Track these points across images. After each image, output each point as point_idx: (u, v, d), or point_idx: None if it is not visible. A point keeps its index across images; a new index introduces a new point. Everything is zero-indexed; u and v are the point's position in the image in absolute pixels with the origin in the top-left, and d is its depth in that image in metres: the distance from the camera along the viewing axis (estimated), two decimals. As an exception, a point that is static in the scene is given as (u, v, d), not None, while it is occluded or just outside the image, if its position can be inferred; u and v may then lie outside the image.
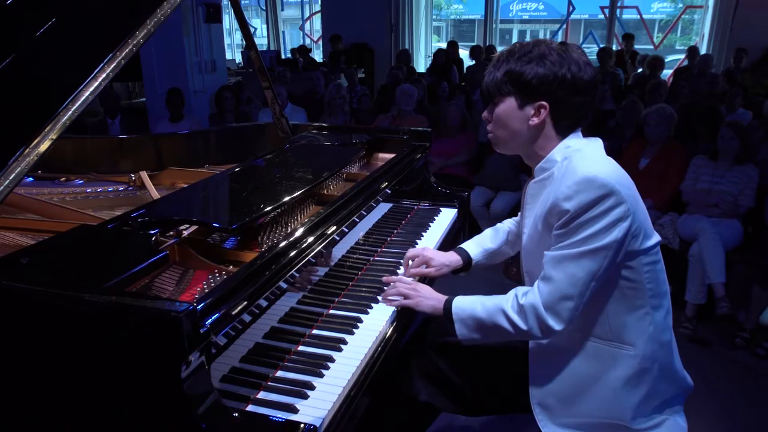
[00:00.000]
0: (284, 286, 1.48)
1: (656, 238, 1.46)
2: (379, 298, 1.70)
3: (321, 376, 1.37)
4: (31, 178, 2.28)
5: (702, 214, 3.53)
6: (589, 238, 1.34)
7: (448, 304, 1.56)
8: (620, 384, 1.43)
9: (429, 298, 1.63)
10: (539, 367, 1.54)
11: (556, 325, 1.39)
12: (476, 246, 1.92)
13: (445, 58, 8.15)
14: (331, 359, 1.42)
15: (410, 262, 1.88)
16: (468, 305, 1.53)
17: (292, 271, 1.49)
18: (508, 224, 1.93)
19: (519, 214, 1.72)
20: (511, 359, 1.61)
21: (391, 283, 1.73)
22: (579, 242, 1.35)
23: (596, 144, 1.48)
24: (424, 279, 1.89)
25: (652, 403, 1.46)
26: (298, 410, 1.25)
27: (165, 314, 1.04)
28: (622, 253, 1.37)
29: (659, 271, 1.47)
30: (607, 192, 1.33)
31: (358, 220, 1.92)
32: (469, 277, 2.02)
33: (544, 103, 1.43)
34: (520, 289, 1.47)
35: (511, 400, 1.61)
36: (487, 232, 1.94)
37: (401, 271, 1.91)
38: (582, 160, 1.40)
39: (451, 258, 1.90)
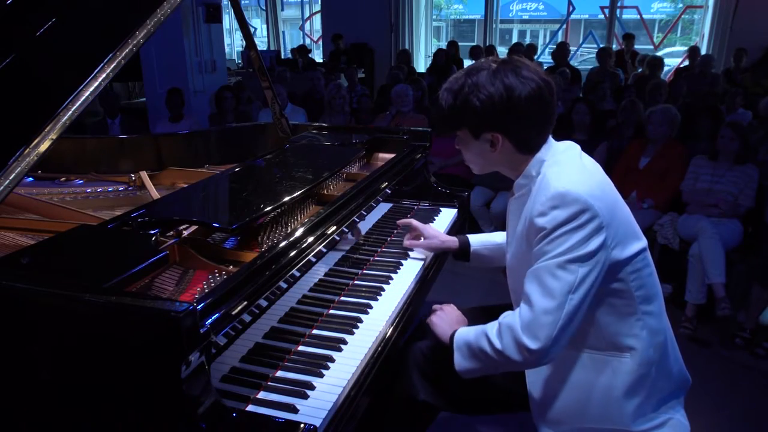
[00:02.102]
0: (284, 286, 1.48)
1: (640, 244, 1.43)
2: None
3: (321, 376, 1.37)
4: (31, 178, 2.28)
5: (702, 214, 3.53)
6: (565, 252, 1.32)
7: (452, 333, 1.54)
8: (620, 392, 1.42)
9: (444, 324, 1.61)
10: (537, 380, 1.53)
11: (532, 344, 1.32)
12: (480, 237, 1.94)
13: (445, 58, 8.14)
14: (331, 359, 1.42)
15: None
16: (464, 332, 1.51)
17: (293, 271, 1.50)
18: None
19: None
20: None
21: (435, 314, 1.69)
22: (554, 256, 1.33)
23: (572, 152, 1.46)
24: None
25: (651, 403, 1.46)
26: (298, 410, 1.25)
27: (165, 314, 1.04)
28: (600, 264, 1.33)
29: (647, 276, 1.44)
30: (580, 207, 1.31)
31: (358, 220, 1.92)
32: (470, 277, 2.03)
33: (496, 134, 1.42)
34: (507, 313, 1.44)
35: (510, 399, 1.61)
36: (499, 232, 1.93)
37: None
38: (555, 174, 1.38)
39: (447, 237, 1.96)
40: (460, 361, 1.49)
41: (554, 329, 1.32)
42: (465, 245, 1.92)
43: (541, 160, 1.44)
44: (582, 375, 1.45)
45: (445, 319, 1.63)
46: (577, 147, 1.49)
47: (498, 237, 1.91)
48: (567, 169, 1.40)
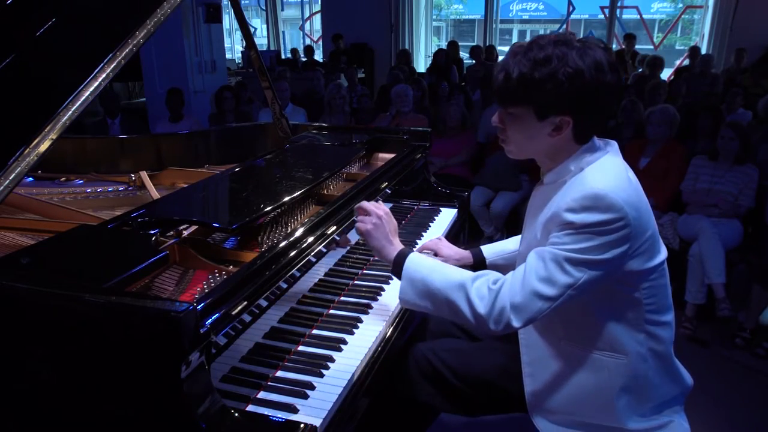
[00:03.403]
0: (284, 285, 1.48)
1: (661, 256, 1.38)
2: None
3: (321, 376, 1.36)
4: (31, 178, 2.28)
5: (702, 214, 3.53)
6: (582, 250, 1.27)
7: (400, 258, 1.44)
8: (614, 391, 1.41)
9: (384, 238, 1.50)
10: (534, 371, 1.52)
11: (515, 322, 1.30)
12: (493, 248, 1.87)
13: (445, 58, 8.15)
14: (331, 359, 1.42)
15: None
16: (425, 268, 1.42)
17: (293, 271, 1.50)
18: None
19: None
20: (508, 359, 1.60)
21: (363, 212, 1.56)
22: (570, 249, 1.27)
23: (612, 150, 1.39)
24: None
25: (649, 405, 1.45)
26: (298, 410, 1.25)
27: (165, 314, 1.04)
28: (612, 272, 1.30)
29: (661, 287, 1.40)
30: (614, 215, 1.25)
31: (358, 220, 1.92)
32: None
33: (566, 118, 1.30)
34: (492, 274, 1.39)
35: (510, 399, 1.61)
36: (515, 238, 1.86)
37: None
38: (595, 173, 1.32)
39: (463, 254, 1.86)
40: (407, 294, 1.42)
41: (539, 314, 1.30)
42: (480, 260, 1.86)
43: (582, 155, 1.36)
44: (579, 371, 1.44)
45: (382, 229, 1.51)
46: (616, 146, 1.41)
47: (510, 244, 1.86)
48: (609, 172, 1.32)
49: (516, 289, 1.31)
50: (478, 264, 1.88)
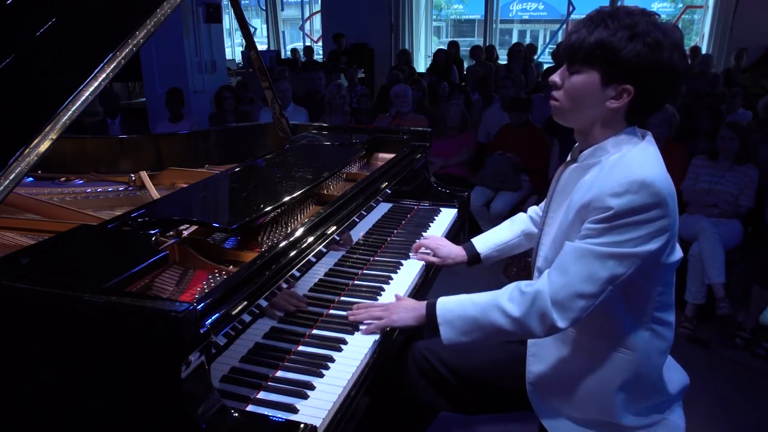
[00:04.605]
0: (284, 285, 1.48)
1: (679, 253, 1.39)
2: (357, 332, 1.54)
3: (321, 376, 1.36)
4: (31, 178, 2.28)
5: (702, 214, 3.53)
6: (625, 243, 1.25)
7: (431, 309, 1.48)
8: (615, 385, 1.41)
9: (406, 309, 1.54)
10: (537, 355, 1.51)
11: (560, 322, 1.29)
12: (486, 242, 1.89)
13: (445, 58, 8.15)
14: (331, 359, 1.42)
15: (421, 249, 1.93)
16: (455, 305, 1.45)
17: (293, 271, 1.50)
18: (530, 212, 1.87)
19: (546, 199, 1.59)
20: (508, 358, 1.60)
21: (363, 311, 1.58)
22: (612, 243, 1.26)
23: (649, 138, 1.38)
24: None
25: (645, 403, 1.46)
26: (298, 410, 1.25)
27: (165, 314, 1.04)
28: (650, 264, 1.30)
29: (671, 285, 1.41)
30: (659, 202, 1.24)
31: (358, 220, 1.92)
32: (470, 276, 2.03)
33: (629, 87, 1.28)
34: (522, 282, 1.38)
35: (510, 398, 1.61)
36: (504, 224, 1.90)
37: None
38: (638, 158, 1.30)
39: (458, 253, 1.91)
40: (450, 335, 1.43)
41: (583, 313, 1.30)
42: (474, 256, 1.89)
43: (623, 138, 1.34)
44: (583, 361, 1.43)
45: (400, 307, 1.56)
46: (651, 135, 1.40)
47: (503, 233, 1.88)
48: (652, 160, 1.32)
49: (557, 288, 1.30)
50: (472, 260, 1.90)
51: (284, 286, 1.47)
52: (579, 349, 1.44)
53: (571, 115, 1.38)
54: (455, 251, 1.92)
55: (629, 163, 1.29)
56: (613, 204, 1.25)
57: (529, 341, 1.52)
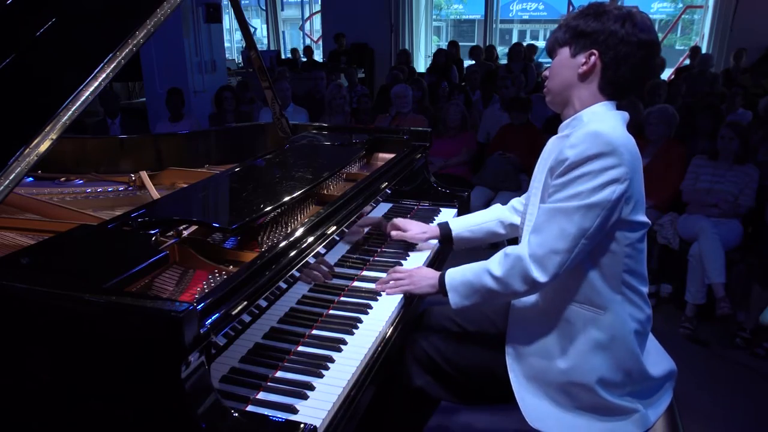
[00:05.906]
0: (284, 286, 1.48)
1: (646, 219, 1.47)
2: (383, 293, 1.73)
3: (321, 376, 1.37)
4: (31, 178, 2.28)
5: (702, 214, 3.53)
6: (583, 194, 1.37)
7: (441, 277, 1.62)
8: (589, 344, 1.46)
9: (426, 278, 1.69)
10: (515, 325, 1.59)
11: (540, 277, 1.41)
12: (459, 221, 1.99)
13: (445, 58, 8.14)
14: (331, 359, 1.42)
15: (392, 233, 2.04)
16: (458, 273, 1.59)
17: (293, 271, 1.50)
18: (512, 202, 1.96)
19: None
20: (499, 346, 1.62)
21: (388, 274, 1.78)
22: (572, 197, 1.38)
23: (624, 114, 1.51)
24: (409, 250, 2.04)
25: (628, 384, 1.47)
26: (298, 410, 1.25)
27: (165, 314, 1.04)
28: (615, 215, 1.39)
29: (640, 252, 1.49)
30: (609, 150, 1.35)
31: (358, 220, 1.92)
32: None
33: (594, 50, 1.45)
34: (508, 247, 1.51)
35: (510, 388, 1.61)
36: (480, 211, 2.01)
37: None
38: (599, 120, 1.44)
39: (430, 228, 2.02)
40: (456, 299, 1.57)
41: (561, 268, 1.40)
42: (446, 233, 1.98)
43: (596, 110, 1.48)
44: (556, 320, 1.50)
45: (421, 274, 1.71)
46: (627, 116, 1.52)
47: (479, 217, 1.98)
48: (612, 122, 1.45)
49: (534, 247, 1.42)
50: (445, 237, 1.99)
51: (284, 286, 1.47)
52: (553, 309, 1.51)
53: (556, 93, 1.54)
54: (427, 227, 2.03)
55: (588, 124, 1.44)
56: (569, 154, 1.38)
57: (511, 307, 1.61)
